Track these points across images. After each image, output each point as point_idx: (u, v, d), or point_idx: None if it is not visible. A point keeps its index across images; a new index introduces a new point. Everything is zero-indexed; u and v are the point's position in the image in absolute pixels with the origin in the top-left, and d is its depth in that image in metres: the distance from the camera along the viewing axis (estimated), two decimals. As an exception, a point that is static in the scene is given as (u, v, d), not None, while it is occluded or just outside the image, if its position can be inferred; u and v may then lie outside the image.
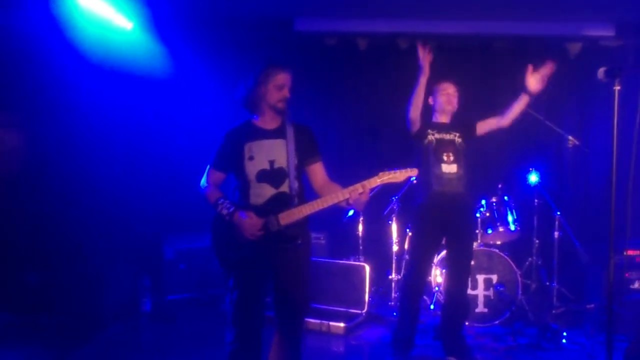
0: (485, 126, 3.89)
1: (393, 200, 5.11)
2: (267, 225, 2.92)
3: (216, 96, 5.23)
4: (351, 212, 5.14)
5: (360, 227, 5.17)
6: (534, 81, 3.61)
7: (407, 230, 5.29)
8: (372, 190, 2.91)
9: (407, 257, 4.84)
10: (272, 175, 2.98)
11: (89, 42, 4.49)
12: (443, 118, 3.90)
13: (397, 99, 5.81)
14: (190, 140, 5.34)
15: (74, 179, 4.72)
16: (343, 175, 3.13)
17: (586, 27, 5.54)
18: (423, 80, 3.69)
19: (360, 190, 2.86)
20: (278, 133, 3.04)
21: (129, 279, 4.99)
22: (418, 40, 5.77)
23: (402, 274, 4.97)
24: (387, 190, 4.38)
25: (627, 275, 4.52)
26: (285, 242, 2.95)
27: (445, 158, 3.73)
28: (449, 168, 3.72)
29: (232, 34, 5.71)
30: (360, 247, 5.16)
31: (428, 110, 3.97)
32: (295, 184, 2.99)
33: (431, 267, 4.46)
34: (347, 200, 2.88)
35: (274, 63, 2.99)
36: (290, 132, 3.03)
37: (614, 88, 2.67)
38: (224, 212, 2.94)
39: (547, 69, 3.63)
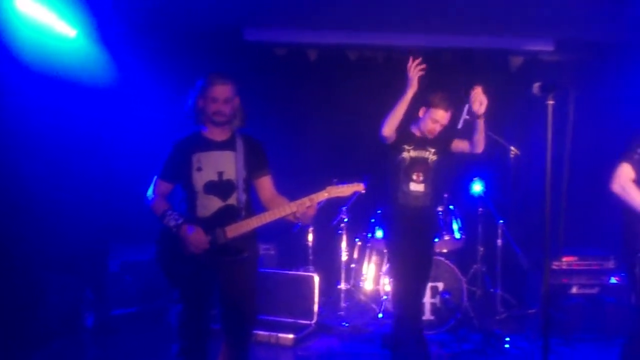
0: (460, 146, 3.80)
1: (342, 210, 5.14)
2: (213, 238, 2.90)
3: (165, 105, 5.15)
4: (301, 222, 5.15)
5: (310, 237, 5.19)
6: (477, 104, 3.58)
7: (356, 240, 5.35)
8: (319, 203, 2.94)
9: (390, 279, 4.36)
10: (220, 187, 2.96)
11: (29, 49, 4.34)
12: (423, 134, 3.75)
13: (347, 109, 5.95)
14: (138, 150, 5.24)
15: (10, 187, 4.54)
16: (293, 187, 3.14)
17: (527, 42, 5.77)
18: (409, 95, 3.52)
19: (308, 203, 2.89)
20: (227, 145, 3.02)
21: (71, 292, 4.82)
22: (368, 51, 6.03)
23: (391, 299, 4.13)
24: (336, 201, 4.41)
25: (565, 280, 4.70)
26: (232, 255, 2.93)
27: (414, 177, 3.66)
28: (417, 187, 3.67)
29: (181, 42, 5.65)
30: (310, 257, 5.17)
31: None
32: (244, 197, 2.99)
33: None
34: (294, 213, 2.90)
35: (212, 75, 2.97)
36: (240, 144, 3.03)
37: (548, 102, 2.76)
38: (171, 224, 2.90)
39: (477, 94, 3.58)
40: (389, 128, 3.53)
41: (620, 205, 3.03)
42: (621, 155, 3.02)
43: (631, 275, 3.03)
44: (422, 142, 3.71)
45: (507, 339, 4.38)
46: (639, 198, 2.95)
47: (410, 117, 3.69)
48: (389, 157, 3.72)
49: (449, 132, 3.75)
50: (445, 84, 5.75)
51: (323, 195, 2.93)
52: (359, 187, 3.01)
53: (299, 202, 2.90)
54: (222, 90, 2.93)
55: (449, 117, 3.67)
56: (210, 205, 2.96)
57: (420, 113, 3.71)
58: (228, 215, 2.95)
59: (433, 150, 3.73)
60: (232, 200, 2.97)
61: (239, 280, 2.98)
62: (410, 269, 3.63)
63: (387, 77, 5.98)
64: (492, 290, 5.09)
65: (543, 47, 5.72)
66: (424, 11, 5.10)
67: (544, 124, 2.82)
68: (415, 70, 3.55)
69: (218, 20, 5.40)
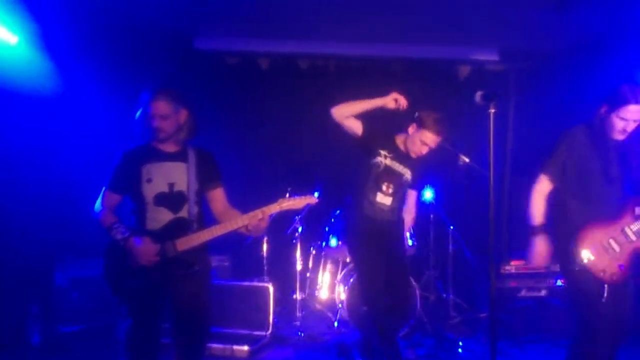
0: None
1: (296, 220, 5.13)
2: (163, 251, 2.84)
3: (113, 115, 5.02)
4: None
5: (265, 248, 5.14)
6: None
7: (311, 248, 5.35)
8: (271, 216, 2.93)
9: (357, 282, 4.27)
10: (171, 199, 2.92)
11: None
12: (407, 151, 3.63)
13: (299, 118, 5.96)
14: (88, 160, 5.08)
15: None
16: (246, 197, 3.14)
17: (474, 52, 5.93)
18: (376, 103, 3.53)
19: (260, 216, 2.87)
20: (179, 156, 2.99)
21: (16, 307, 4.62)
22: (319, 60, 6.06)
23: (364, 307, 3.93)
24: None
25: (514, 284, 4.83)
26: (183, 268, 2.89)
27: (384, 188, 3.55)
28: (385, 199, 3.56)
29: (129, 50, 5.52)
30: (265, 268, 5.13)
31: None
32: (195, 209, 2.95)
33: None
34: (246, 226, 2.89)
35: (152, 91, 2.93)
36: (192, 156, 3.00)
37: (490, 111, 2.83)
38: (118, 237, 2.84)
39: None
40: (340, 114, 3.53)
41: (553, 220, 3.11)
42: (540, 166, 3.13)
43: (571, 286, 3.10)
44: (403, 157, 3.60)
45: (460, 342, 4.47)
46: (535, 209, 3.08)
47: (399, 127, 3.65)
48: (363, 158, 3.62)
49: (428, 164, 3.79)
50: (394, 91, 5.91)
51: (275, 208, 2.92)
52: (311, 200, 3.00)
53: (250, 214, 2.89)
54: (159, 107, 2.88)
55: (439, 142, 3.55)
56: (160, 217, 2.91)
57: (410, 130, 3.56)
58: (179, 228, 2.90)
59: (410, 170, 3.64)
60: (183, 213, 2.92)
61: (191, 293, 2.93)
62: (378, 274, 3.53)
63: (338, 86, 6.04)
64: (444, 295, 5.18)
65: (488, 56, 5.90)
66: (374, 21, 5.18)
67: (494, 131, 2.91)
68: (400, 101, 3.52)
69: (167, 28, 5.32)
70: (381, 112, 5.61)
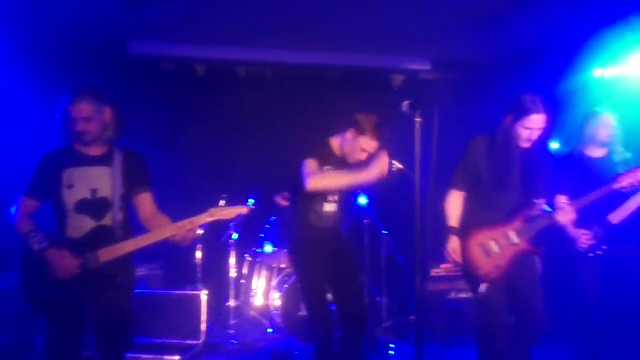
0: None
1: (231, 226, 5.10)
2: (84, 263, 2.73)
3: (41, 119, 4.86)
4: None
5: (199, 255, 5.08)
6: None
7: (245, 255, 5.33)
8: (202, 226, 2.88)
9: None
10: (94, 206, 2.82)
11: None
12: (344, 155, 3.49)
13: (236, 125, 5.94)
14: (7, 165, 4.90)
15: None
16: (181, 205, 3.05)
17: (407, 61, 6.08)
18: (361, 178, 3.24)
19: (188, 227, 2.80)
20: (103, 160, 2.88)
21: None
22: (257, 68, 6.07)
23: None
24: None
25: (444, 286, 4.96)
26: (105, 280, 2.79)
27: (330, 198, 3.44)
28: (331, 207, 3.45)
29: (59, 58, 5.37)
30: (199, 275, 5.06)
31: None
32: (120, 216, 2.86)
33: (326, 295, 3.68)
34: (174, 236, 2.81)
35: (72, 92, 2.84)
36: (118, 159, 2.89)
37: (415, 120, 2.92)
38: (36, 247, 2.72)
39: None
40: (317, 186, 3.21)
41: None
42: (452, 175, 3.32)
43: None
44: (342, 162, 3.43)
45: (392, 345, 4.55)
46: (450, 212, 3.27)
47: (333, 129, 3.48)
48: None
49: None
50: (331, 100, 6.01)
51: (204, 219, 2.85)
52: (243, 210, 2.93)
53: (179, 224, 2.82)
54: (81, 109, 2.79)
55: (377, 148, 3.39)
56: (81, 225, 2.81)
57: (348, 135, 3.36)
58: (101, 237, 2.81)
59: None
60: (106, 221, 2.83)
61: (112, 305, 2.84)
62: (321, 284, 3.46)
63: (275, 93, 6.08)
64: (378, 299, 5.25)
65: (421, 66, 6.07)
66: (312, 30, 5.24)
67: (424, 139, 3.01)
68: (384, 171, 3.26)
69: (99, 32, 5.21)
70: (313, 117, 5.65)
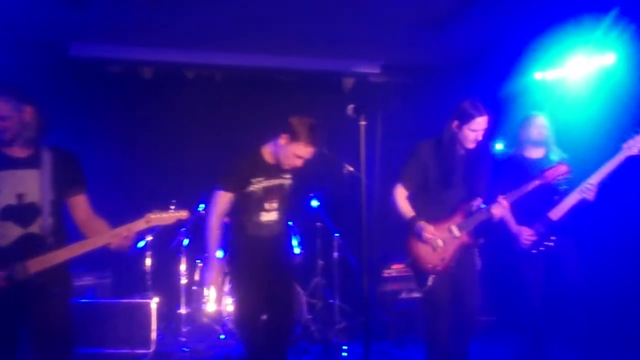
0: None
1: (181, 232, 5.02)
2: (11, 274, 2.55)
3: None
4: (141, 243, 4.92)
5: (148, 262, 4.97)
6: None
7: (197, 261, 5.24)
8: (150, 232, 2.80)
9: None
10: (20, 212, 2.63)
11: None
12: (278, 163, 3.37)
13: (184, 129, 5.85)
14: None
15: None
16: (126, 211, 2.92)
17: (357, 64, 6.15)
18: None
19: (124, 234, 2.69)
20: (31, 162, 2.70)
21: None
22: (205, 71, 6.00)
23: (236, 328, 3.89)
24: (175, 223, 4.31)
25: (395, 287, 5.03)
26: (37, 292, 2.61)
27: (267, 207, 3.34)
28: (269, 216, 3.37)
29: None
30: (149, 283, 4.95)
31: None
32: (49, 222, 2.68)
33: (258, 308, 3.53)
34: (109, 244, 2.70)
35: None
36: (46, 160, 2.71)
37: (360, 123, 2.96)
38: None
39: None
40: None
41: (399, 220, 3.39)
42: (397, 176, 3.40)
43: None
44: (275, 171, 3.36)
45: (345, 347, 4.57)
46: (405, 207, 3.34)
47: (264, 135, 3.41)
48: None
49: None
50: (282, 104, 5.99)
51: (141, 225, 2.73)
52: (182, 215, 2.82)
53: (115, 231, 2.69)
54: (2, 109, 2.62)
55: (313, 152, 3.33)
56: (7, 233, 2.61)
57: (282, 141, 3.26)
58: (30, 245, 2.62)
59: (288, 175, 3.44)
60: (34, 228, 2.64)
61: (49, 320, 2.67)
62: (251, 303, 3.35)
63: (225, 96, 6.02)
64: (331, 301, 5.28)
65: (371, 69, 6.14)
66: (260, 32, 5.22)
67: (367, 142, 3.04)
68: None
69: (40, 34, 5.04)
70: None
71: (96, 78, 5.68)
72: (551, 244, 3.71)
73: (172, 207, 2.97)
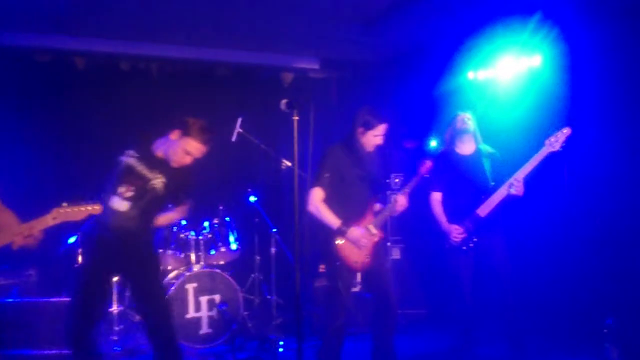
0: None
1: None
2: None
3: None
4: (72, 239, 4.75)
5: (80, 259, 4.79)
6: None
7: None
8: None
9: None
10: None
11: None
12: (166, 158, 3.22)
13: (119, 121, 5.67)
14: None
15: None
16: (53, 203, 2.77)
17: (296, 59, 6.16)
18: None
19: (26, 232, 2.59)
20: None
21: None
22: (141, 62, 5.84)
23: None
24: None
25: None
26: None
27: (121, 191, 3.10)
28: (119, 204, 3.09)
29: None
30: (80, 280, 4.78)
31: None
32: None
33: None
34: (13, 243, 2.59)
35: None
36: None
37: (293, 118, 3.00)
38: None
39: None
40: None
41: (316, 223, 3.50)
42: (313, 181, 3.47)
43: (333, 282, 3.54)
44: (156, 163, 3.18)
45: (281, 342, 4.58)
46: (330, 215, 3.43)
47: (159, 131, 3.28)
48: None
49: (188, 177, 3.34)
50: (221, 97, 5.93)
51: (47, 222, 2.59)
52: (95, 209, 2.67)
53: (16, 230, 2.58)
54: None
55: (204, 152, 3.21)
56: None
57: (173, 136, 3.16)
58: None
59: (163, 179, 3.16)
60: None
61: None
62: (90, 294, 3.11)
63: (161, 89, 5.88)
64: (269, 297, 5.27)
65: (310, 65, 6.17)
66: (198, 24, 5.14)
67: (304, 137, 3.08)
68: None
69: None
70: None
71: (25, 67, 5.44)
72: (474, 241, 3.84)
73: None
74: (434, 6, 4.65)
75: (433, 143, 5.28)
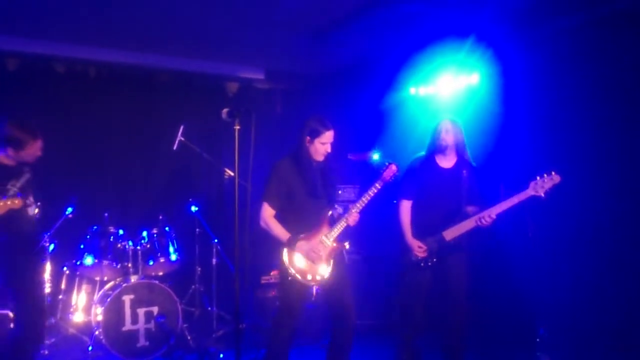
0: None
1: (45, 236, 4.63)
2: None
3: None
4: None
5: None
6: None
7: (64, 268, 4.90)
8: None
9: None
10: None
11: None
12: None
13: (54, 126, 5.43)
14: None
15: None
16: None
17: (241, 69, 6.13)
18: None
19: None
20: None
21: None
22: (78, 65, 5.63)
23: None
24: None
25: (273, 293, 5.05)
26: None
27: (28, 202, 3.69)
28: (32, 211, 3.72)
29: None
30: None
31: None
32: None
33: None
34: None
35: None
36: None
37: (235, 127, 3.06)
38: None
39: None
40: None
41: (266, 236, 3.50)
42: (262, 196, 3.48)
43: (283, 294, 3.55)
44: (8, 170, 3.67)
45: (221, 355, 4.49)
46: (279, 229, 3.44)
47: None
48: None
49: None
50: (160, 105, 5.81)
51: None
52: (15, 203, 2.68)
53: None
54: None
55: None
56: None
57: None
58: None
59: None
60: None
61: None
62: None
63: (100, 93, 5.69)
64: (209, 308, 5.17)
65: (255, 75, 6.17)
66: (140, 29, 5.02)
67: (246, 147, 3.08)
68: None
69: None
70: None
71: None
72: (434, 261, 3.77)
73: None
74: (378, 23, 4.76)
75: (376, 156, 5.37)
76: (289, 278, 3.40)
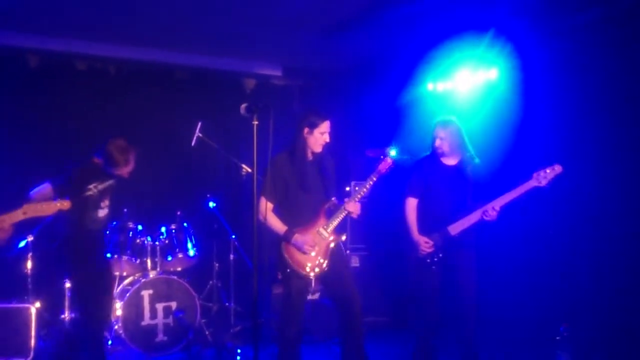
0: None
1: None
2: None
3: None
4: (22, 243, 4.57)
5: (29, 264, 4.62)
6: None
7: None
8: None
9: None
10: None
11: None
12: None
13: (75, 122, 5.51)
14: None
15: None
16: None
17: (258, 66, 6.14)
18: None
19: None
20: None
21: None
22: (98, 62, 5.69)
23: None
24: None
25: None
26: None
27: (102, 205, 3.83)
28: (104, 212, 3.86)
29: None
30: (29, 287, 4.60)
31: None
32: None
33: None
34: None
35: None
36: None
37: (253, 122, 3.06)
38: None
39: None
40: None
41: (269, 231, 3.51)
42: (260, 192, 3.48)
43: (285, 289, 3.57)
44: (105, 175, 3.84)
45: (239, 350, 4.52)
46: (276, 223, 3.47)
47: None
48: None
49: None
50: (179, 101, 5.85)
51: (18, 216, 2.64)
52: (64, 205, 2.77)
53: None
54: None
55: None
56: None
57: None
58: None
59: (112, 180, 3.92)
60: None
61: None
62: None
63: (118, 90, 5.75)
64: (227, 304, 5.21)
65: (272, 71, 6.17)
66: (159, 26, 5.06)
67: (262, 142, 3.10)
68: None
69: None
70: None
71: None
72: (440, 256, 3.76)
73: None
74: (396, 18, 4.72)
75: (393, 152, 5.32)
76: (288, 270, 3.44)
